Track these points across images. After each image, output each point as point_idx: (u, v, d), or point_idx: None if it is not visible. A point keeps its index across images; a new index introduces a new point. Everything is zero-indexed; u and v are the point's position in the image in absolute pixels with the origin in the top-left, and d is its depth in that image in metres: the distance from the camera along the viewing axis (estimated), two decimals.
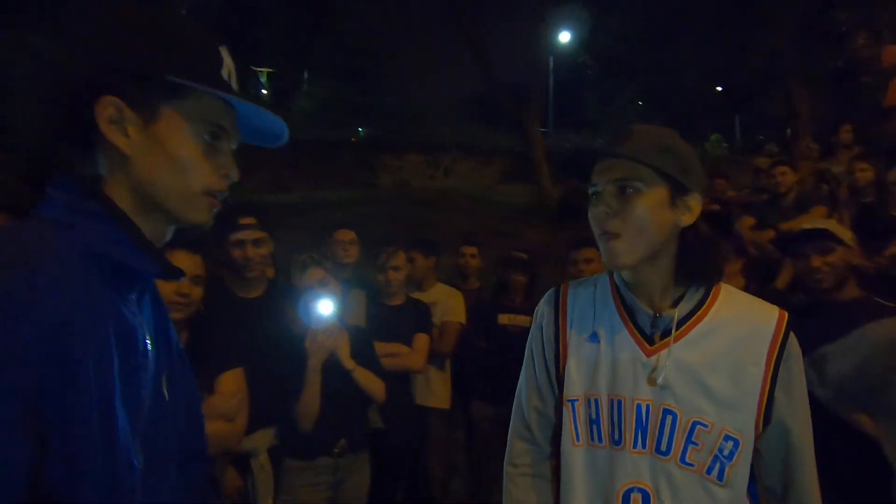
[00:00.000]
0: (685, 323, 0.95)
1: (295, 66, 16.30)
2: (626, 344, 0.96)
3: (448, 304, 2.95)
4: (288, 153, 11.48)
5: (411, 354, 2.58)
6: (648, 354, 0.94)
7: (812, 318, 1.76)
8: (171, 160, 0.62)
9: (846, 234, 1.92)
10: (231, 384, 1.58)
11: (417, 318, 2.69)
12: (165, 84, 0.61)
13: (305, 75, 16.56)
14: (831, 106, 5.74)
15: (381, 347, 2.33)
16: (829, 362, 1.50)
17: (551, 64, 17.00)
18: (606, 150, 0.97)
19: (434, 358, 2.81)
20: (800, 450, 0.94)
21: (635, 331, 0.97)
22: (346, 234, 2.96)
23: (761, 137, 13.97)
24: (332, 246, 2.94)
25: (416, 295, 2.89)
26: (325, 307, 1.93)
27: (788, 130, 9.55)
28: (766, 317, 0.95)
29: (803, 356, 0.96)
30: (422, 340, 2.62)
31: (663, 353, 0.93)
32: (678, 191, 0.92)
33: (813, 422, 0.96)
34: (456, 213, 10.29)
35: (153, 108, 0.61)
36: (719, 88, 13.72)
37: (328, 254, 2.90)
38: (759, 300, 0.99)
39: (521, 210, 10.87)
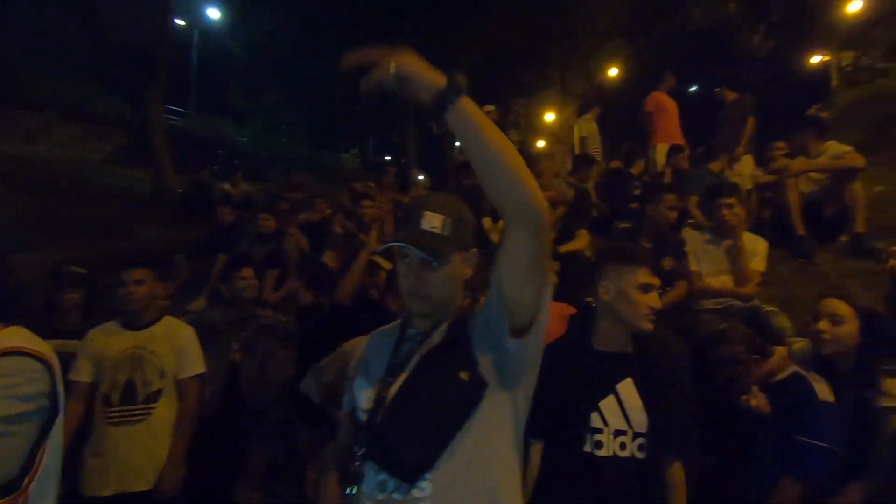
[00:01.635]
0: None
1: None
2: None
3: None
4: None
5: None
6: None
7: None
8: None
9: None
10: None
11: None
12: None
13: None
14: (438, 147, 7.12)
15: None
16: (324, 371, 1.91)
17: (196, 39, 15.52)
18: None
19: None
20: None
21: None
22: None
23: (387, 158, 16.44)
24: None
25: None
26: None
27: (403, 160, 11.48)
28: None
29: None
30: None
31: None
32: None
33: None
34: (46, 196, 8.01)
35: None
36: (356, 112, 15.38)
37: None
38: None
39: (143, 199, 9.33)
